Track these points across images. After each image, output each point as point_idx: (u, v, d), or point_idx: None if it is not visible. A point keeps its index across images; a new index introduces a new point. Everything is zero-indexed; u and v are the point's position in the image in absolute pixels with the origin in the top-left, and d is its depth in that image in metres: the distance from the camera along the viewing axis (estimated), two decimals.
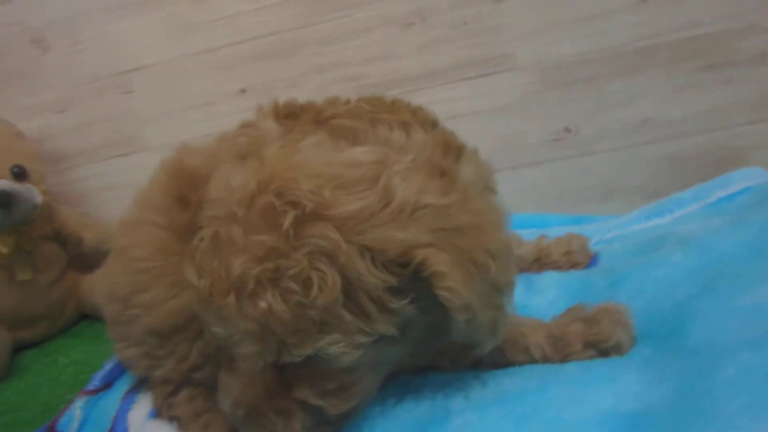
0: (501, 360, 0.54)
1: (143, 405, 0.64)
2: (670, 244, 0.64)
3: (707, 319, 0.49)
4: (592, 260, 0.72)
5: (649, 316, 0.54)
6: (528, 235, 0.80)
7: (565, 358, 0.53)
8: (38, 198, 0.96)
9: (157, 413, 0.62)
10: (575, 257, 0.73)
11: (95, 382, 0.72)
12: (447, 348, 0.52)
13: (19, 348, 0.99)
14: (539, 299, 0.64)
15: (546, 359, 0.53)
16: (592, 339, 0.52)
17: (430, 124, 0.53)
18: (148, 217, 0.59)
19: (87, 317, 1.08)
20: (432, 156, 0.47)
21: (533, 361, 0.53)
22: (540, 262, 0.74)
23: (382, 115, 0.50)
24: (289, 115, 0.55)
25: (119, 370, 0.73)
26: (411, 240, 0.40)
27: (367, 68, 0.96)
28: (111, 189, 1.13)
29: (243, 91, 1.02)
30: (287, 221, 0.39)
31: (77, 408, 0.68)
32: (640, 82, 0.89)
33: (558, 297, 0.63)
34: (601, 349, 0.52)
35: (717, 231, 0.63)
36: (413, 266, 0.40)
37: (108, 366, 0.74)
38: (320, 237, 0.39)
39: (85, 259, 1.07)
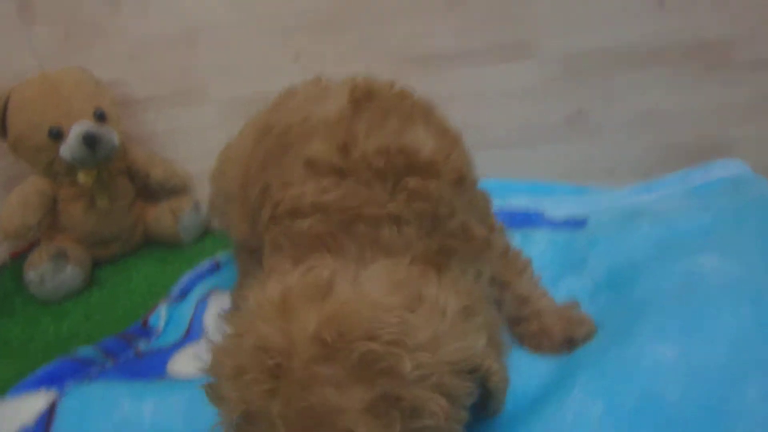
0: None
1: (214, 308, 0.86)
2: (644, 217, 0.82)
3: (651, 278, 0.68)
4: (581, 221, 0.90)
5: (610, 270, 0.73)
6: (535, 203, 0.98)
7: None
8: (116, 139, 1.13)
9: None
10: None
11: (174, 292, 0.94)
12: None
13: (97, 264, 1.19)
14: (532, 248, 0.82)
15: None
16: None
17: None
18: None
19: (152, 242, 1.27)
20: (424, 251, 0.51)
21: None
22: None
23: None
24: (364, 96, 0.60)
25: (192, 284, 0.95)
26: (478, 349, 0.45)
27: (408, 43, 1.12)
28: (176, 133, 1.30)
29: (296, 58, 1.18)
30: (405, 365, 0.40)
31: (162, 309, 0.90)
32: (648, 77, 1.05)
33: (546, 249, 0.81)
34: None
35: (683, 212, 0.81)
36: (482, 372, 0.45)
37: (184, 279, 0.96)
38: (425, 367, 0.41)
39: (151, 192, 1.27)
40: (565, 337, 0.65)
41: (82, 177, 1.12)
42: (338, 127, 0.58)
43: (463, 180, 0.58)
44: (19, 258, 1.21)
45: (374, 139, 0.56)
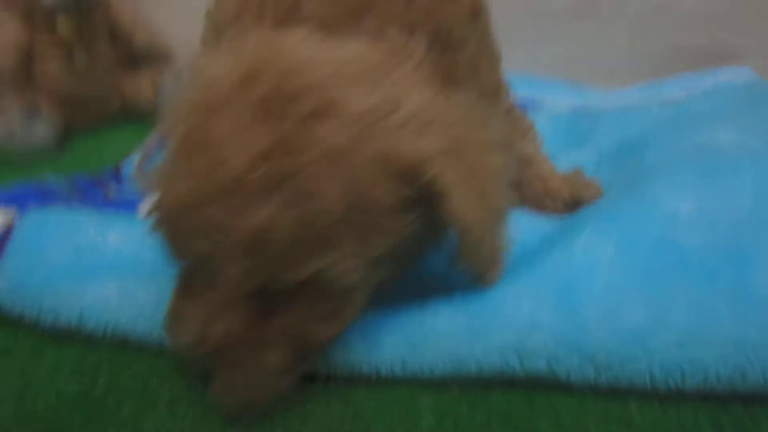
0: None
1: None
2: (653, 104, 0.77)
3: (662, 147, 0.63)
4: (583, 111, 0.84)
5: (617, 143, 0.68)
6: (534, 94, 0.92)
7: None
8: None
9: None
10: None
11: (151, 142, 0.86)
12: None
13: (69, 132, 1.10)
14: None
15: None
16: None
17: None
18: None
19: (129, 114, 1.17)
20: (438, 63, 0.44)
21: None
22: None
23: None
24: None
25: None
26: (424, 151, 0.36)
27: None
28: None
29: None
30: (291, 115, 0.34)
31: (136, 157, 0.82)
32: None
33: (546, 126, 0.75)
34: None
35: (694, 98, 0.76)
36: (424, 181, 0.36)
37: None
38: (330, 136, 0.34)
39: (131, 59, 1.17)
40: (571, 198, 0.61)
41: (61, 25, 1.03)
42: None
43: (479, 13, 0.51)
44: None
45: None
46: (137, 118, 1.15)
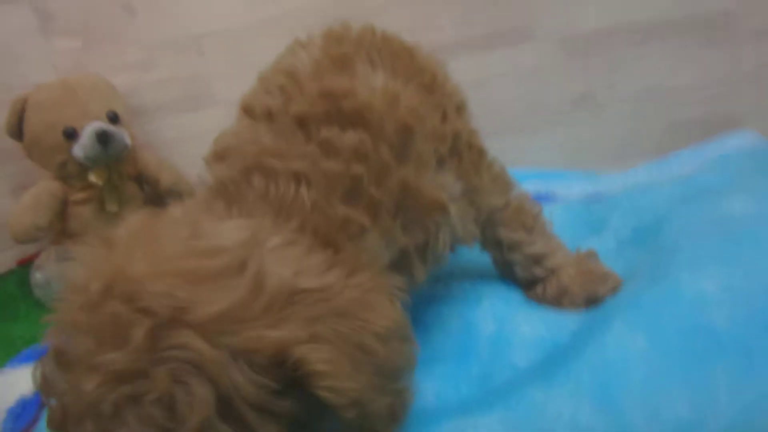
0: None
1: None
2: (663, 181, 0.77)
3: (678, 226, 0.63)
4: (596, 198, 0.85)
5: (635, 229, 0.69)
6: (546, 186, 0.94)
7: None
8: (128, 139, 1.12)
9: None
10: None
11: None
12: None
13: None
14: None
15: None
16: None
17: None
18: None
19: None
20: (326, 224, 0.43)
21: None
22: None
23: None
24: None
25: None
26: (285, 337, 0.35)
27: (405, 36, 1.10)
28: (185, 139, 1.28)
29: None
30: (139, 333, 0.33)
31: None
32: (652, 53, 1.02)
33: (561, 216, 0.76)
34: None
35: (704, 171, 0.76)
36: (290, 365, 0.35)
37: None
38: (182, 347, 0.34)
39: (159, 198, 1.22)
40: (587, 296, 0.59)
41: (93, 176, 1.10)
42: (291, 73, 0.51)
43: (408, 131, 0.49)
44: (25, 265, 1.18)
45: (317, 83, 0.49)
46: None
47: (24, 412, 0.59)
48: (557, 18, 1.04)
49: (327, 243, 0.42)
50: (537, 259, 0.62)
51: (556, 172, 1.02)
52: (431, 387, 0.53)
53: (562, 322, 0.57)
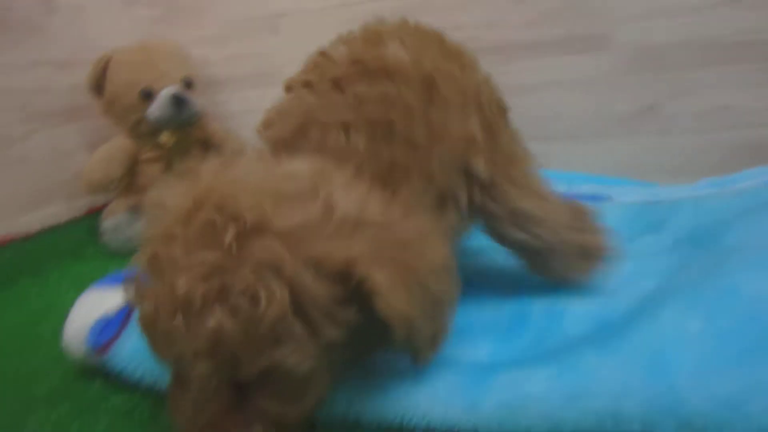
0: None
1: None
2: (726, 192, 0.79)
3: (742, 230, 0.64)
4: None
5: (694, 228, 0.70)
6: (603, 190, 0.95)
7: None
8: (198, 106, 1.18)
9: None
10: None
11: None
12: None
13: None
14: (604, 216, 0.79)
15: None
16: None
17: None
18: None
19: None
20: (378, 167, 0.48)
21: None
22: None
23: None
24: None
25: None
26: (353, 254, 0.40)
27: (483, 32, 1.13)
28: (251, 113, 1.32)
29: None
30: (229, 236, 0.39)
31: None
32: (726, 73, 1.02)
33: (619, 214, 0.79)
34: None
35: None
36: (355, 280, 0.40)
37: None
38: (264, 250, 0.39)
39: None
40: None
41: (164, 137, 1.16)
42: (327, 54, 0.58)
43: (431, 80, 0.54)
44: (94, 214, 1.24)
45: (352, 54, 0.55)
46: None
47: (107, 328, 0.63)
48: (634, 28, 1.05)
49: (383, 184, 0.47)
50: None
51: (615, 179, 1.04)
52: (486, 347, 0.56)
53: (614, 303, 0.59)
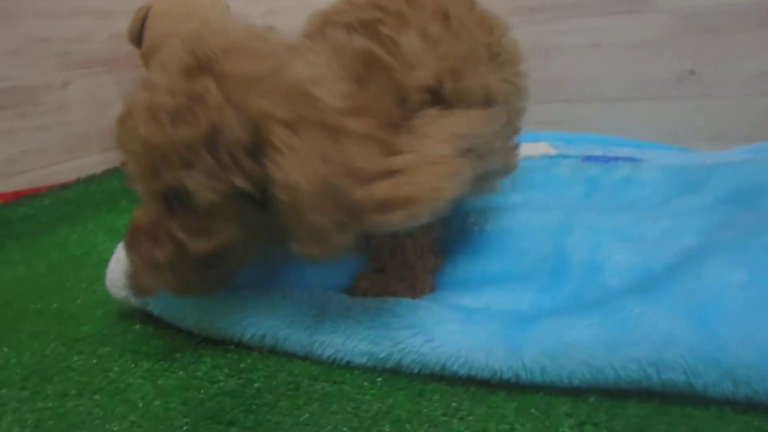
0: None
1: None
2: (766, 156, 0.78)
3: None
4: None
5: (733, 189, 0.70)
6: (640, 153, 0.95)
7: None
8: None
9: None
10: None
11: None
12: None
13: None
14: (642, 174, 0.81)
15: None
16: None
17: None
18: None
19: None
20: (356, 66, 0.50)
21: None
22: None
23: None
24: None
25: None
26: (275, 112, 0.45)
27: None
28: None
29: None
30: (177, 67, 0.47)
31: None
32: (765, 39, 1.00)
33: (657, 174, 0.79)
34: None
35: None
36: (263, 133, 0.44)
37: None
38: (199, 84, 0.46)
39: None
40: None
41: None
42: None
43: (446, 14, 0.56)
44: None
45: None
46: None
47: None
48: None
49: (358, 82, 0.49)
50: None
51: (651, 144, 1.03)
52: (526, 297, 0.57)
53: (657, 253, 0.59)
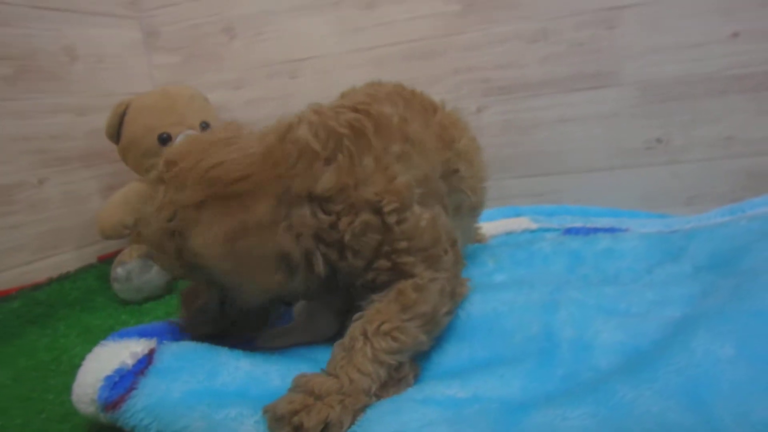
0: None
1: None
2: (740, 219, 0.80)
3: (759, 253, 0.65)
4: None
5: (712, 255, 0.71)
6: (619, 223, 0.97)
7: None
8: None
9: None
10: None
11: None
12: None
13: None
14: (623, 245, 0.81)
15: None
16: None
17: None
18: None
19: None
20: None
21: None
22: None
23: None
24: None
25: None
26: (185, 198, 0.58)
27: (496, 73, 1.17)
28: None
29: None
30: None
31: None
32: (728, 104, 1.05)
33: (638, 244, 0.80)
34: None
35: None
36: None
37: None
38: (157, 193, 0.61)
39: None
40: None
41: None
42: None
43: (408, 139, 0.68)
44: (105, 261, 1.25)
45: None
46: None
47: (121, 381, 0.61)
48: (640, 65, 1.09)
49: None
50: None
51: (630, 212, 1.05)
52: (515, 383, 0.55)
53: (644, 328, 0.59)
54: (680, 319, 0.58)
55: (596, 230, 0.92)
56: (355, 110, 0.66)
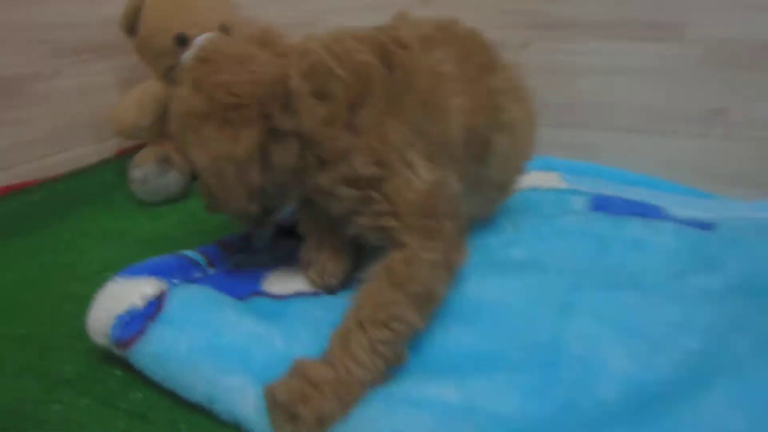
0: None
1: None
2: None
3: None
4: (707, 225, 0.82)
5: (749, 276, 0.67)
6: (655, 198, 0.92)
7: None
8: None
9: None
10: None
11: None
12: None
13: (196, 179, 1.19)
14: (656, 237, 0.78)
15: None
16: None
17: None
18: None
19: None
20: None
21: None
22: None
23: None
24: None
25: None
26: (195, 107, 0.63)
27: (545, 5, 1.06)
28: None
29: None
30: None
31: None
32: None
33: (673, 240, 0.77)
34: None
35: None
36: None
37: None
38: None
39: None
40: None
41: None
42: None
43: (437, 76, 0.67)
44: (124, 156, 1.24)
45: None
46: None
47: (132, 321, 0.62)
48: (710, 21, 0.97)
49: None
50: None
51: (669, 184, 0.99)
52: (513, 399, 0.54)
53: (653, 362, 0.57)
54: (697, 354, 0.56)
55: (628, 204, 0.88)
56: (382, 49, 0.65)
